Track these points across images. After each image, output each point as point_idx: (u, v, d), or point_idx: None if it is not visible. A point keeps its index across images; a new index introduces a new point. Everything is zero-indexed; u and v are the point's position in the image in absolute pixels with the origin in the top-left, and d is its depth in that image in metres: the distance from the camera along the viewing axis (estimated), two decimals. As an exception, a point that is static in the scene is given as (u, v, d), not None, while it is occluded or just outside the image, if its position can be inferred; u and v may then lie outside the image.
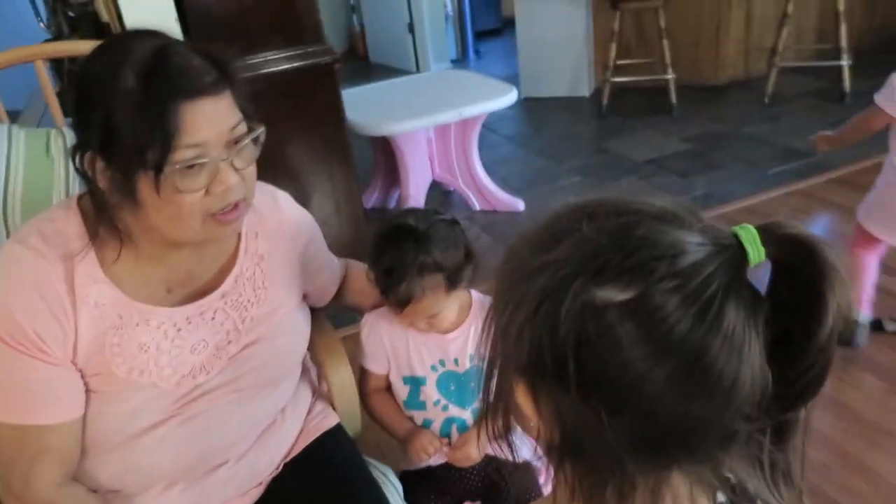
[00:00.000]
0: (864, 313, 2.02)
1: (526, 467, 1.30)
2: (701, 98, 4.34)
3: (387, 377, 1.28)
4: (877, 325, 2.08)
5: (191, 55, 0.84)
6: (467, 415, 1.26)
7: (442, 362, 1.23)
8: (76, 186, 1.25)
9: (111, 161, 0.83)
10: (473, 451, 1.22)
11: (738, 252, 0.47)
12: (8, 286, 0.88)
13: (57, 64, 2.95)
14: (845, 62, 3.85)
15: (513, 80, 3.63)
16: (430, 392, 1.24)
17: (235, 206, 0.90)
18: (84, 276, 0.90)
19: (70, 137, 1.28)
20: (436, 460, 1.26)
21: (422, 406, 1.25)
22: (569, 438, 0.49)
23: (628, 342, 0.45)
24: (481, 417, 1.25)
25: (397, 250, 1.10)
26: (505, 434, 0.56)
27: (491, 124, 4.27)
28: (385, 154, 3.21)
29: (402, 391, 1.26)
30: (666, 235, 0.46)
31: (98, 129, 0.81)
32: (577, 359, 0.46)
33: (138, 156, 0.81)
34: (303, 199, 1.45)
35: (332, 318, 1.33)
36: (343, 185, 2.59)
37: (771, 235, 0.47)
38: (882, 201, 1.93)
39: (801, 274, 0.46)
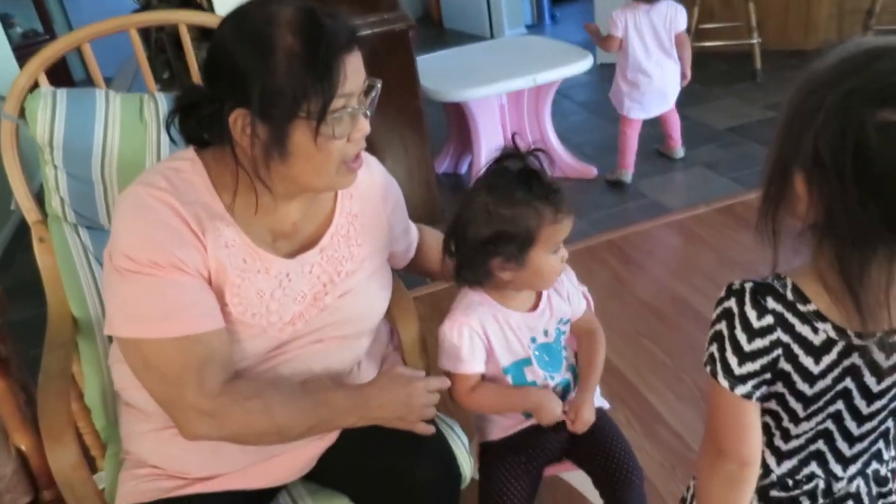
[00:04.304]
0: (630, 172, 3.10)
1: (602, 415, 1.30)
2: (788, 64, 4.14)
3: (481, 375, 1.22)
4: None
5: (328, 16, 0.91)
6: (564, 375, 1.26)
7: (533, 339, 1.23)
8: (166, 149, 1.33)
9: (267, 116, 0.90)
10: (588, 414, 1.21)
11: None
12: (144, 220, 0.95)
13: (144, 33, 3.09)
14: (950, 24, 3.61)
15: (589, 45, 3.56)
16: (536, 371, 1.22)
17: (358, 154, 0.99)
18: (214, 218, 0.98)
19: (162, 102, 1.36)
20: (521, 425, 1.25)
21: (533, 384, 1.23)
22: (831, 220, 0.66)
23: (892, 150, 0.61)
24: (584, 381, 1.26)
25: (526, 166, 1.11)
26: (773, 213, 0.73)
27: (565, 91, 4.22)
28: (457, 120, 3.22)
29: (504, 381, 1.23)
30: None
31: (258, 88, 0.88)
32: (855, 159, 0.62)
33: (301, 108, 0.89)
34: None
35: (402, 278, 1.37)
36: (416, 150, 2.63)
37: None
38: (631, 94, 2.96)
39: None
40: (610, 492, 1.23)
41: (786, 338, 0.72)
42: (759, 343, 0.72)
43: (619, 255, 2.57)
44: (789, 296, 0.72)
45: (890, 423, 0.79)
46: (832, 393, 0.75)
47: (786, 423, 0.78)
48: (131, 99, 1.35)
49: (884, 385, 0.74)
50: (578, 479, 1.33)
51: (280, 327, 1.04)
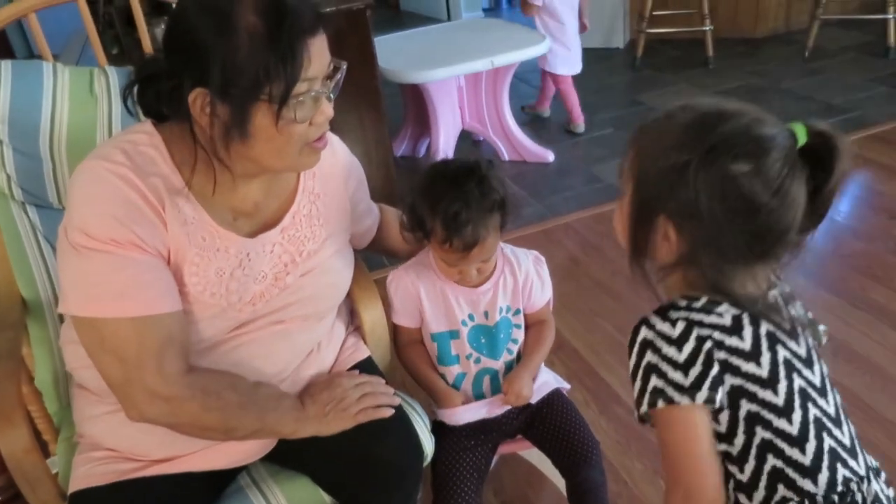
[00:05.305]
0: (581, 124, 3.44)
1: (560, 396, 1.33)
2: (739, 51, 4.24)
3: (419, 330, 1.28)
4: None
5: None
6: (499, 365, 1.28)
7: (471, 316, 1.25)
8: (119, 124, 1.29)
9: (228, 96, 0.87)
10: (526, 389, 1.23)
11: (793, 137, 0.76)
12: (102, 196, 0.92)
13: (92, 7, 2.99)
14: (892, 15, 3.72)
15: (546, 29, 3.58)
16: (463, 345, 1.25)
17: (323, 134, 0.98)
18: (174, 194, 0.95)
19: (114, 76, 1.31)
20: (472, 416, 1.25)
21: (455, 360, 1.26)
22: (701, 252, 0.77)
23: (750, 192, 0.73)
24: (526, 358, 1.28)
25: (461, 191, 1.10)
26: (639, 254, 0.83)
27: (522, 74, 4.22)
28: (415, 102, 3.21)
29: (431, 348, 1.27)
30: (766, 130, 0.76)
31: (218, 67, 0.85)
32: (725, 203, 0.74)
33: (263, 90, 0.87)
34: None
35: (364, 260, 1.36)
36: (374, 131, 2.61)
37: (811, 129, 0.76)
38: (559, 52, 3.23)
39: (826, 152, 0.75)
40: (572, 472, 1.26)
41: (704, 332, 0.77)
42: (689, 347, 0.76)
43: (576, 237, 2.60)
44: (682, 302, 0.79)
45: (838, 395, 0.83)
46: (782, 367, 0.78)
47: (778, 422, 0.77)
48: (81, 72, 1.30)
49: (803, 347, 0.82)
50: (538, 457, 1.35)
51: (239, 307, 1.02)
